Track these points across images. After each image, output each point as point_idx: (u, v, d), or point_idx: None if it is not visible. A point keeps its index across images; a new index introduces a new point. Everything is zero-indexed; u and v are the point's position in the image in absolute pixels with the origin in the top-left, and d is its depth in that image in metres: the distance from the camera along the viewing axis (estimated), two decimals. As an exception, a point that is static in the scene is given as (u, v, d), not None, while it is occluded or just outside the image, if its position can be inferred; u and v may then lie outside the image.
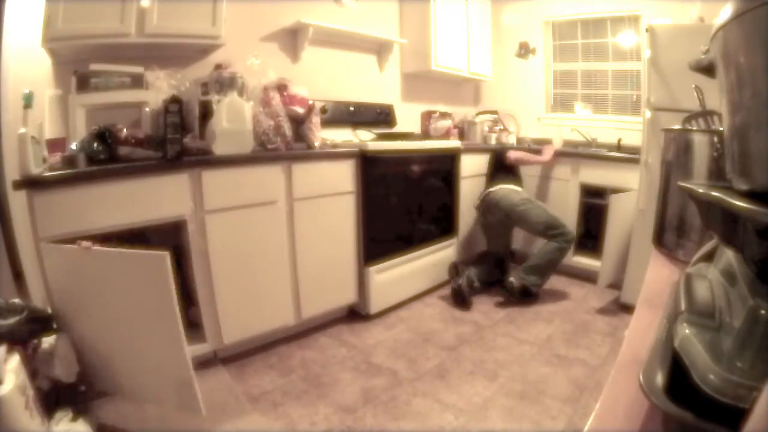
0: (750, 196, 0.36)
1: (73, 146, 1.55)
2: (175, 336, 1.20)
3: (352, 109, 2.74)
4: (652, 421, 0.41)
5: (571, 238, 2.56)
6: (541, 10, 3.49)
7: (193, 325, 1.78)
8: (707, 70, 0.79)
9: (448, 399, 1.64)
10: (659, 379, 0.37)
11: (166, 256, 1.17)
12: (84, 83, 1.67)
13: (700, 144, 0.86)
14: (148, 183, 1.53)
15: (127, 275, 1.23)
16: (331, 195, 2.07)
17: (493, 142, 3.34)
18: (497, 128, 3.46)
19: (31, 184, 1.30)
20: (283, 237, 1.92)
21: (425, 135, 3.14)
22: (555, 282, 2.90)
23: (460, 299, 2.48)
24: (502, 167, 2.90)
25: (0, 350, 1.00)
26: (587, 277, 2.84)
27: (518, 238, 3.24)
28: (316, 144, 2.10)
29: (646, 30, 2.21)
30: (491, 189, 2.77)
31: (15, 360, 1.03)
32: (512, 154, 2.89)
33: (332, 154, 2.06)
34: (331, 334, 2.15)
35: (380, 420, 1.52)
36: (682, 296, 0.44)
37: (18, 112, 1.27)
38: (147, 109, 1.80)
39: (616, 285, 2.54)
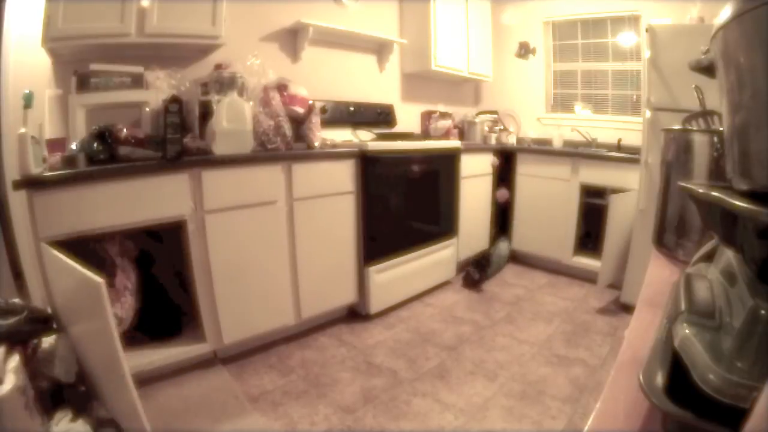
0: (750, 196, 0.36)
1: (73, 146, 1.55)
2: (116, 364, 1.05)
3: (352, 109, 2.74)
4: (652, 421, 0.41)
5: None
6: (541, 10, 3.49)
7: (192, 324, 1.78)
8: (707, 70, 0.79)
9: (448, 399, 1.64)
10: (659, 379, 0.37)
11: (100, 285, 1.00)
12: (84, 83, 1.67)
13: (700, 144, 0.86)
14: (148, 183, 1.53)
15: (77, 291, 1.14)
16: (331, 195, 2.07)
17: (493, 142, 3.34)
18: (497, 128, 3.46)
19: (31, 184, 1.30)
20: (283, 237, 1.92)
21: (425, 135, 3.14)
22: (555, 282, 2.90)
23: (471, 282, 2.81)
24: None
25: (0, 350, 1.00)
26: (587, 277, 2.85)
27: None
28: (316, 144, 2.10)
29: (646, 30, 2.21)
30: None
31: (15, 360, 1.03)
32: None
33: (332, 154, 2.06)
34: (331, 334, 2.15)
35: (380, 420, 1.52)
36: (682, 296, 0.44)
37: (18, 112, 1.27)
38: (147, 109, 1.81)
39: (616, 285, 2.54)
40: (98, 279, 1.01)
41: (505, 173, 3.27)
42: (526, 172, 3.13)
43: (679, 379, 0.35)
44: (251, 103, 1.89)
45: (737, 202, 0.34)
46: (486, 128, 3.41)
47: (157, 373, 1.66)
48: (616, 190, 2.54)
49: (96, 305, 1.02)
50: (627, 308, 2.40)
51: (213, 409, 1.55)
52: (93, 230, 1.43)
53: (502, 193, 3.26)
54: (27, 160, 1.28)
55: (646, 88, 2.24)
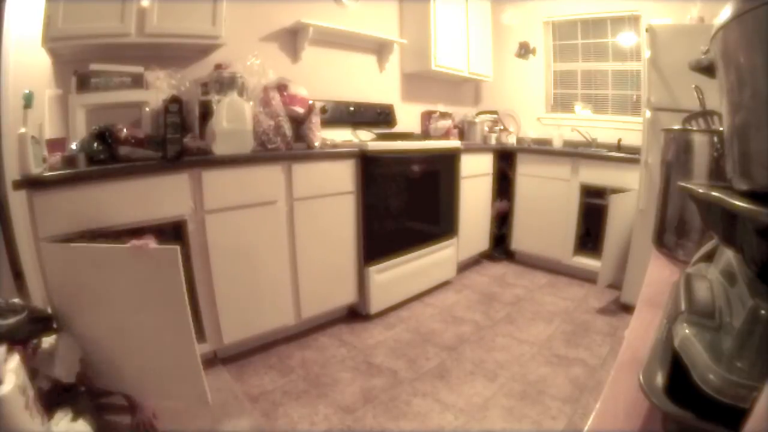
0: (750, 196, 0.36)
1: (73, 146, 1.55)
2: (185, 331, 1.22)
3: (352, 109, 2.74)
4: (652, 421, 0.41)
5: None
6: (541, 10, 3.49)
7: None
8: (707, 70, 0.79)
9: (448, 399, 1.64)
10: (659, 379, 0.37)
11: (176, 250, 1.18)
12: (84, 83, 1.67)
13: (700, 144, 0.85)
14: (148, 183, 1.53)
15: (136, 270, 1.23)
16: (331, 195, 2.07)
17: (493, 142, 3.34)
18: (497, 128, 3.46)
19: (31, 184, 1.30)
20: (283, 237, 1.92)
21: (425, 135, 3.15)
22: (555, 282, 2.90)
23: None
24: None
25: (0, 350, 1.00)
26: (587, 277, 2.85)
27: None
28: (316, 144, 2.10)
29: (646, 30, 2.21)
30: None
31: (15, 360, 1.03)
32: None
33: (332, 154, 2.06)
34: (331, 334, 2.15)
35: (380, 420, 1.52)
36: (682, 296, 0.44)
37: (18, 112, 1.27)
38: (147, 109, 1.81)
39: (616, 285, 2.55)
40: (173, 246, 1.18)
41: (505, 173, 3.27)
42: (526, 172, 3.13)
43: (679, 379, 0.35)
44: (251, 103, 1.89)
45: (737, 202, 0.34)
46: (486, 128, 3.41)
47: (157, 373, 1.66)
48: (616, 190, 2.54)
49: (171, 271, 1.17)
50: (627, 308, 2.40)
51: (213, 409, 1.55)
52: (93, 230, 1.43)
53: (502, 205, 3.25)
54: (27, 160, 1.28)
55: (646, 88, 2.24)
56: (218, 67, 1.95)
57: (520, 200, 3.19)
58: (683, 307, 0.42)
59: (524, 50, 3.65)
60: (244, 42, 2.25)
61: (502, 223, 3.36)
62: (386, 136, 2.61)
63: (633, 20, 3.06)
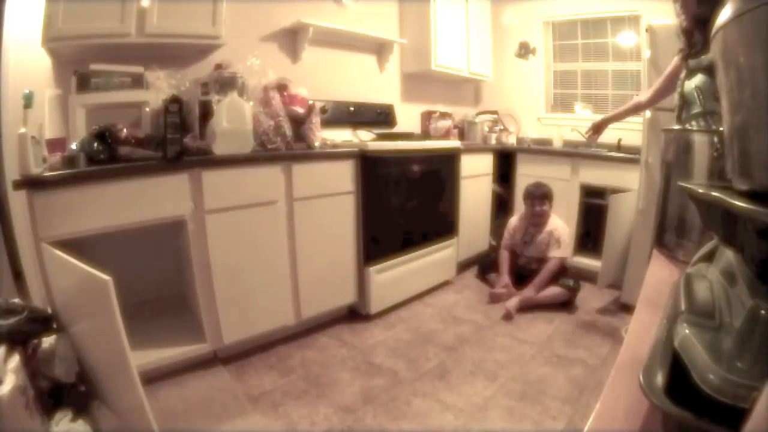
0: (750, 196, 0.36)
1: (73, 146, 1.55)
2: (123, 363, 1.06)
3: (352, 109, 2.74)
4: (652, 421, 0.41)
5: None
6: (541, 10, 3.49)
7: (192, 324, 1.78)
8: (707, 70, 0.79)
9: (448, 399, 1.64)
10: (659, 379, 0.37)
11: (108, 283, 1.02)
12: (84, 83, 1.67)
13: (700, 144, 0.86)
14: (148, 183, 1.53)
15: (82, 289, 1.15)
16: (331, 195, 2.07)
17: (493, 142, 3.34)
18: (497, 128, 3.46)
19: (31, 184, 1.30)
20: (283, 237, 1.92)
21: (425, 135, 3.14)
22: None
23: None
24: None
25: (0, 350, 1.00)
26: (587, 277, 2.84)
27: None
28: (316, 144, 2.10)
29: (646, 30, 2.21)
30: None
31: (15, 360, 1.03)
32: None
33: (332, 154, 2.06)
34: (331, 334, 2.15)
35: (380, 420, 1.52)
36: (682, 296, 0.44)
37: (18, 112, 1.27)
38: (147, 109, 1.81)
39: (616, 285, 2.54)
40: (105, 277, 1.02)
41: (505, 173, 3.27)
42: (526, 172, 3.12)
43: (679, 379, 0.35)
44: (251, 103, 1.89)
45: (737, 202, 0.34)
46: (486, 128, 3.41)
47: (157, 372, 1.66)
48: (616, 190, 2.54)
49: (103, 303, 1.03)
50: (627, 308, 2.40)
51: (213, 409, 1.55)
52: (93, 230, 1.43)
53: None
54: (27, 160, 1.28)
55: (646, 88, 2.24)
56: (218, 67, 1.95)
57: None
58: (683, 307, 0.42)
59: (524, 50, 3.65)
60: (244, 42, 2.25)
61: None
62: (386, 136, 2.61)
63: (633, 20, 3.06)
